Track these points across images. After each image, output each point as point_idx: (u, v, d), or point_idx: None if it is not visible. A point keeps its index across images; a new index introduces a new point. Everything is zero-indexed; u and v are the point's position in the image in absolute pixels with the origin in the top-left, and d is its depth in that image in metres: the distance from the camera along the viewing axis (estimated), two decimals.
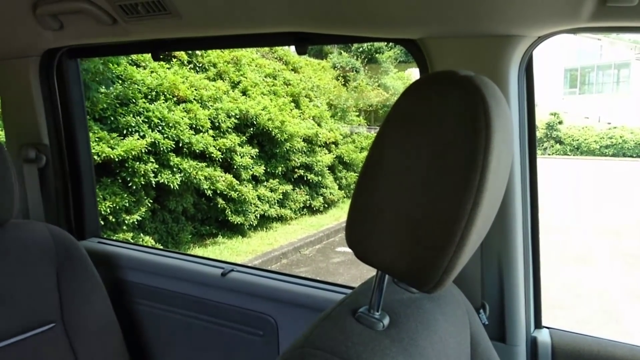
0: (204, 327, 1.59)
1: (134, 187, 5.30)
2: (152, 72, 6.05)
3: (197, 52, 6.92)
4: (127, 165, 5.20)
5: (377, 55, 13.71)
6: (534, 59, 1.18)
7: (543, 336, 1.25)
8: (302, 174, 8.25)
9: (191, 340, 1.64)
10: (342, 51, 13.68)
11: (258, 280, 1.55)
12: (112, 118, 5.26)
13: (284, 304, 1.50)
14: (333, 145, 9.48)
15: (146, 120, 5.54)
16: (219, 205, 6.46)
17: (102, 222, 5.04)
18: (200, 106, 6.39)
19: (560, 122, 22.40)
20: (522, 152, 1.19)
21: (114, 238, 4.70)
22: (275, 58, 9.61)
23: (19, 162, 1.75)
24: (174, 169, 5.73)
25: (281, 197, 7.66)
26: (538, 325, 1.29)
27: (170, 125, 5.76)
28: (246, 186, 6.88)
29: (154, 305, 1.67)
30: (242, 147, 6.94)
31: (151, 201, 5.58)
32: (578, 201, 10.50)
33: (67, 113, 1.83)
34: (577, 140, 21.94)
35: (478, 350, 0.91)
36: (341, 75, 12.05)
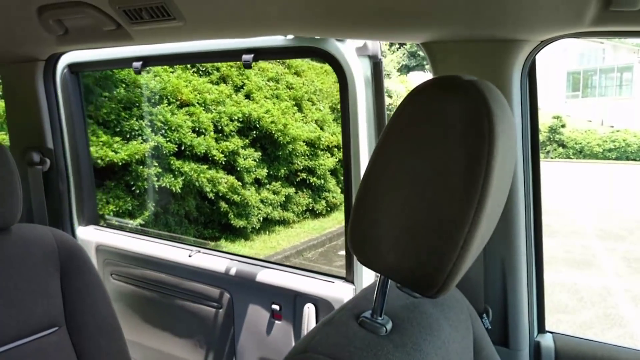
0: (171, 303, 1.86)
1: (137, 191, 5.31)
2: (155, 75, 6.06)
3: None
4: (130, 169, 5.22)
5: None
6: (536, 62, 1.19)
7: (546, 341, 1.24)
8: (305, 177, 8.24)
9: (160, 315, 1.91)
10: None
11: (218, 261, 1.81)
12: (115, 122, 5.27)
13: (239, 280, 1.74)
14: (336, 149, 9.47)
15: (149, 124, 5.56)
16: (222, 209, 6.46)
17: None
18: (204, 110, 6.40)
19: (563, 126, 22.35)
20: (525, 156, 1.19)
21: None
22: (278, 61, 9.62)
23: (23, 165, 1.76)
24: (176, 172, 5.74)
25: (284, 200, 7.66)
26: (541, 329, 1.29)
27: (173, 128, 5.77)
28: (249, 189, 6.88)
29: (126, 286, 1.96)
30: (245, 150, 6.95)
31: (154, 204, 5.59)
32: (583, 204, 10.47)
33: (69, 117, 1.85)
34: (580, 143, 21.89)
35: (481, 354, 0.91)
36: None
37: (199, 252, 1.87)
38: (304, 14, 1.13)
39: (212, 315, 1.82)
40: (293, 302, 1.65)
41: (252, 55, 1.54)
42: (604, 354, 1.17)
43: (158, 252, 1.90)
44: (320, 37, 1.47)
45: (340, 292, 1.59)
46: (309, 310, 1.61)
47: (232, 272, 1.76)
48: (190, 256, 1.85)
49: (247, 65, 1.53)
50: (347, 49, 1.49)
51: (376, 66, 1.51)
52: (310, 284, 1.65)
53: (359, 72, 1.51)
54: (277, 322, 1.70)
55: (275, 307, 1.68)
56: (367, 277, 1.60)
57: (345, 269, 1.64)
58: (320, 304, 1.60)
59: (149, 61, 1.71)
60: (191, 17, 1.20)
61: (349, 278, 1.62)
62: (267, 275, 1.70)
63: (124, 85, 5.53)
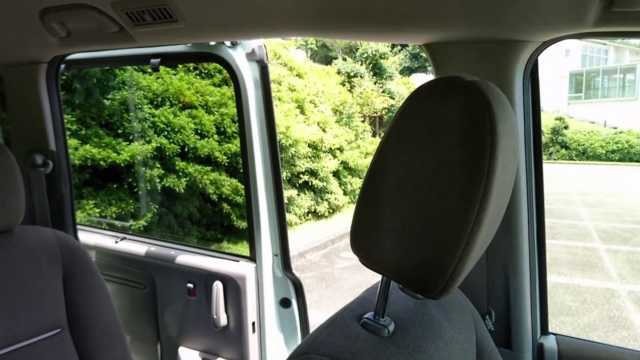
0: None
1: (140, 193, 5.32)
2: (157, 78, 6.08)
3: None
4: (133, 170, 5.23)
5: (381, 60, 13.71)
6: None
7: (549, 342, 1.24)
8: (307, 179, 8.25)
9: None
10: (346, 57, 13.70)
11: (142, 247, 2.04)
12: (117, 123, 5.29)
13: (160, 263, 1.97)
14: (338, 151, 9.48)
15: (152, 125, 5.57)
16: (224, 210, 6.47)
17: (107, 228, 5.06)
18: (206, 112, 6.41)
19: (565, 127, 22.31)
20: (528, 157, 1.19)
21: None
22: (280, 64, 9.64)
23: (25, 167, 1.76)
24: (180, 174, 5.75)
25: (286, 202, 7.66)
26: (544, 331, 1.28)
27: (176, 130, 5.78)
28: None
29: None
30: None
31: (157, 206, 5.60)
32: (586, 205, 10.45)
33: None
34: (583, 145, 21.84)
35: (484, 356, 0.90)
36: (346, 80, 12.06)
37: (125, 238, 2.12)
38: (305, 16, 1.14)
39: (138, 295, 2.06)
40: (205, 281, 1.89)
41: (159, 60, 1.73)
42: (607, 356, 1.17)
43: (87, 239, 2.11)
44: (214, 44, 1.67)
45: (243, 270, 1.82)
46: (218, 287, 1.84)
47: (154, 256, 2.01)
48: (117, 242, 2.10)
49: (155, 69, 1.73)
50: (239, 55, 1.70)
51: (264, 69, 1.75)
52: (219, 263, 1.88)
53: (249, 75, 1.74)
54: (192, 298, 1.93)
55: (190, 285, 1.92)
56: (266, 256, 1.86)
57: (249, 250, 1.89)
58: (227, 280, 1.84)
59: (71, 64, 1.90)
60: (193, 19, 1.20)
61: (252, 257, 1.86)
62: (184, 258, 1.94)
63: (126, 88, 5.55)
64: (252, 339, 1.86)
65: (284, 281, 1.89)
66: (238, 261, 1.87)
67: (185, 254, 1.95)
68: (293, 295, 1.88)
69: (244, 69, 1.72)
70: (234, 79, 1.73)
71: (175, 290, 1.97)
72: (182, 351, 2.01)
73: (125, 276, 2.06)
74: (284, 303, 1.90)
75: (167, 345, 2.07)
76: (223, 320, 1.85)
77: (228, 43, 1.68)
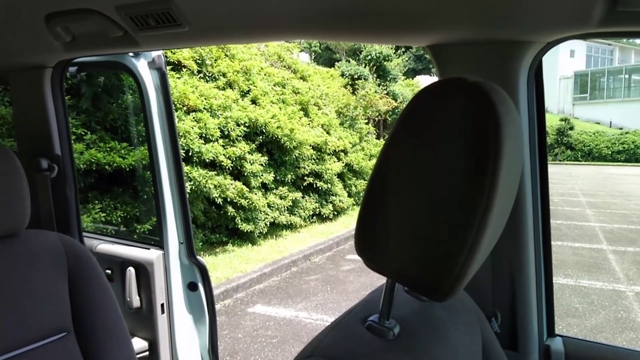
0: None
1: (145, 197, 5.33)
2: None
3: (207, 61, 6.97)
4: (137, 174, 5.24)
5: (385, 62, 13.71)
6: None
7: (556, 344, 1.23)
8: (312, 181, 8.25)
9: None
10: (350, 59, 13.71)
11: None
12: (122, 128, 5.31)
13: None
14: (342, 153, 9.48)
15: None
16: (229, 213, 6.48)
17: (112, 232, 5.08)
18: (210, 115, 6.43)
19: (571, 128, 22.23)
20: (533, 158, 1.19)
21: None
22: (284, 66, 9.66)
23: (30, 172, 1.77)
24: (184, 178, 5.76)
25: (291, 204, 7.67)
26: (551, 333, 1.28)
27: (180, 134, 5.79)
28: (256, 194, 6.89)
29: None
30: (252, 155, 6.96)
31: None
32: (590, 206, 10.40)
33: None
34: (589, 146, 21.75)
35: (490, 358, 0.90)
36: (350, 83, 12.06)
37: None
38: (309, 19, 1.14)
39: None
40: (120, 267, 2.05)
41: (76, 68, 1.90)
42: (614, 358, 1.16)
43: None
44: (120, 54, 1.86)
45: (152, 256, 2.01)
46: (130, 272, 2.02)
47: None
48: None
49: (73, 76, 1.91)
50: (141, 64, 1.90)
51: (162, 76, 1.94)
52: (132, 251, 2.07)
53: (151, 82, 1.93)
54: (110, 283, 1.99)
55: (109, 271, 2.07)
56: (173, 244, 2.05)
57: (158, 238, 2.08)
58: (139, 266, 2.02)
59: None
60: (196, 23, 1.21)
61: (160, 245, 2.06)
62: (104, 247, 2.13)
63: (130, 92, 5.57)
64: (162, 320, 2.06)
65: (190, 267, 2.07)
66: (149, 249, 2.06)
67: (105, 243, 2.15)
68: (199, 279, 2.07)
69: (146, 76, 1.91)
70: (139, 85, 1.92)
71: None
72: None
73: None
74: (191, 287, 2.09)
75: None
76: (136, 302, 2.04)
77: (131, 53, 1.86)
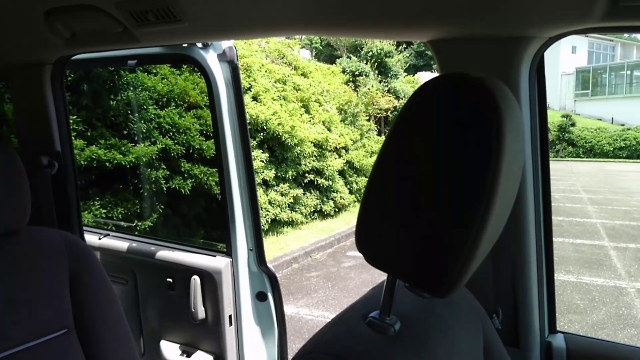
0: None
1: (146, 194, 5.33)
2: (162, 78, 6.09)
3: None
4: (138, 171, 5.24)
5: (386, 59, 13.67)
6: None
7: (558, 341, 1.23)
8: (313, 178, 8.25)
9: None
10: (351, 55, 13.67)
11: (124, 243, 2.12)
12: (123, 124, 5.30)
13: (141, 259, 2.05)
14: (343, 150, 9.47)
15: (157, 126, 5.58)
16: None
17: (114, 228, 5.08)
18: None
19: (572, 124, 22.18)
20: (534, 154, 1.18)
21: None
22: (285, 63, 9.64)
23: (31, 168, 1.77)
24: (185, 175, 5.76)
25: (292, 201, 7.67)
26: (552, 330, 1.27)
27: (181, 131, 5.79)
28: (257, 191, 6.88)
29: None
30: (253, 152, 6.96)
31: (162, 206, 5.61)
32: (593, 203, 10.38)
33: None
34: (590, 142, 21.71)
35: (491, 355, 0.89)
36: (351, 79, 12.03)
37: (108, 235, 2.20)
38: (310, 14, 1.13)
39: (120, 290, 2.08)
40: (183, 275, 1.94)
41: (136, 62, 1.77)
42: (616, 354, 1.16)
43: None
44: (187, 46, 1.72)
45: (220, 264, 1.88)
46: (195, 281, 1.90)
47: (136, 252, 2.08)
48: (100, 239, 2.17)
49: (132, 70, 1.84)
50: (210, 56, 1.75)
51: (234, 70, 1.80)
52: (196, 259, 1.94)
53: (221, 75, 1.78)
54: (171, 292, 1.99)
55: (170, 280, 1.98)
56: (242, 251, 1.91)
57: (225, 245, 1.96)
58: (204, 275, 1.90)
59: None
60: (196, 19, 1.20)
61: (227, 252, 1.92)
62: (163, 253, 2.01)
63: (131, 88, 5.56)
64: (229, 332, 1.93)
65: (259, 275, 1.94)
66: (215, 256, 1.94)
67: (164, 249, 2.03)
68: (269, 288, 1.94)
69: (216, 69, 1.77)
70: (207, 79, 1.78)
71: (155, 285, 2.03)
72: (164, 344, 2.07)
73: (108, 272, 2.09)
74: (260, 297, 1.95)
75: (149, 338, 2.13)
76: (201, 313, 1.91)
77: (200, 44, 1.71)
